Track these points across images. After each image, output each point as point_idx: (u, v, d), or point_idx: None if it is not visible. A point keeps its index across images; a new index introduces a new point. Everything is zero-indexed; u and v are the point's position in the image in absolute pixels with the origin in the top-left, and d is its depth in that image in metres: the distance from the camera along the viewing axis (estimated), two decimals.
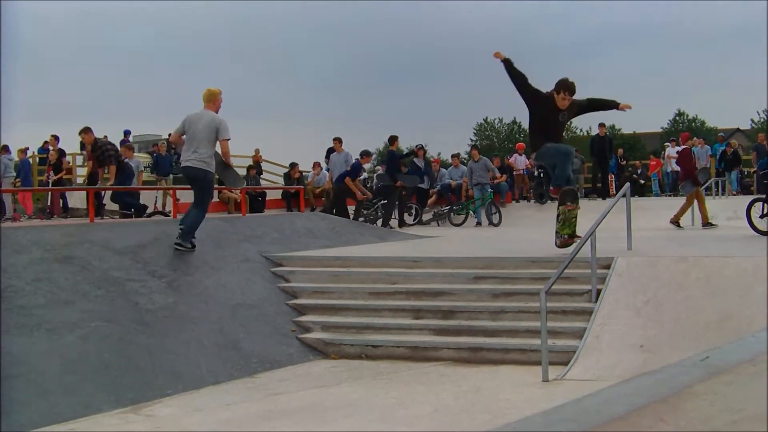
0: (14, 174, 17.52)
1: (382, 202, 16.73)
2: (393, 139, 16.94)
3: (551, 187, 9.05)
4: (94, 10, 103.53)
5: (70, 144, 24.32)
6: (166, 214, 14.10)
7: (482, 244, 11.56)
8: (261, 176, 22.02)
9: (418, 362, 7.29)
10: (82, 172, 21.20)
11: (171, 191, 15.67)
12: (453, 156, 20.48)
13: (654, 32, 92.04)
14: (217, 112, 9.12)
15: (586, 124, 58.91)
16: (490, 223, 16.44)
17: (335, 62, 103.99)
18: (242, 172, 21.33)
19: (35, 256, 7.97)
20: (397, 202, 16.66)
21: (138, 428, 5.58)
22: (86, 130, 14.30)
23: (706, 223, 13.00)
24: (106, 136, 24.54)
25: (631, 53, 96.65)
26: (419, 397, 6.05)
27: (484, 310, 7.82)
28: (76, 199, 18.14)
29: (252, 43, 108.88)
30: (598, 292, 7.39)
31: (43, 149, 21.06)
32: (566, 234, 8.46)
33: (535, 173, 19.25)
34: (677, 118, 57.85)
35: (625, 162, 23.63)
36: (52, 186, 17.45)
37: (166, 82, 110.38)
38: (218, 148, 9.14)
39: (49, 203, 17.88)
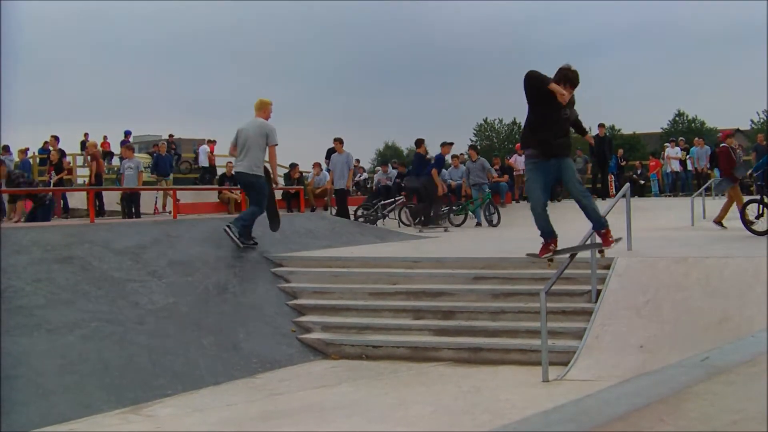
0: None
1: (409, 205, 16.86)
2: (420, 142, 16.97)
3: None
4: (94, 10, 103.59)
5: (70, 144, 24.28)
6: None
7: (482, 245, 11.55)
8: None
9: (418, 362, 7.28)
10: (82, 173, 21.25)
11: (171, 191, 15.70)
12: (453, 156, 20.48)
13: (654, 32, 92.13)
14: (267, 119, 9.63)
15: (586, 124, 58.73)
16: (489, 224, 16.43)
17: (335, 62, 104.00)
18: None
19: (35, 256, 7.98)
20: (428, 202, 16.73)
21: (138, 428, 5.58)
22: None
23: (719, 222, 12.79)
24: (106, 136, 24.72)
25: (631, 53, 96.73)
26: (419, 398, 6.04)
27: (484, 310, 7.82)
28: (77, 200, 18.14)
29: (252, 44, 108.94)
30: (598, 292, 7.39)
31: (44, 149, 21.06)
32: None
33: None
34: (677, 118, 57.84)
35: (625, 162, 23.63)
36: (53, 186, 17.45)
37: (167, 82, 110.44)
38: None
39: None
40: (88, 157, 18.07)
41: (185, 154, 28.39)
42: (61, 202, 17.83)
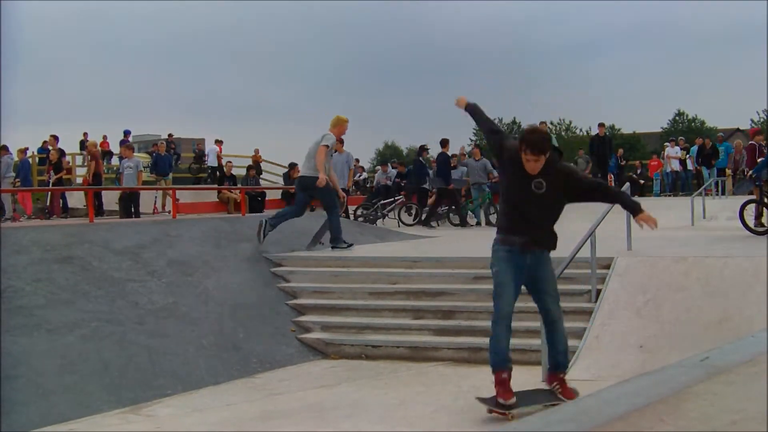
0: (13, 174, 17.51)
1: (426, 208, 16.99)
2: (444, 142, 17.07)
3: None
4: (94, 10, 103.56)
5: (70, 144, 24.30)
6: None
7: (482, 244, 11.53)
8: (261, 176, 22.04)
9: (418, 362, 7.28)
10: (81, 172, 21.24)
11: (170, 191, 15.70)
12: (452, 156, 20.50)
13: (654, 32, 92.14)
14: (338, 136, 10.21)
15: (585, 123, 58.80)
16: (488, 224, 16.44)
17: (335, 62, 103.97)
18: (242, 172, 21.44)
19: (35, 256, 7.97)
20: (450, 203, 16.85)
21: (138, 428, 5.58)
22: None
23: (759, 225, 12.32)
24: (105, 136, 24.72)
25: (631, 53, 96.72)
26: (419, 398, 6.04)
27: (484, 310, 7.80)
28: (76, 199, 18.14)
29: (252, 44, 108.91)
30: (598, 292, 7.39)
31: (43, 149, 21.06)
32: None
33: None
34: (677, 118, 57.83)
35: (625, 162, 23.63)
36: (52, 186, 17.45)
37: (167, 82, 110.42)
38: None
39: (48, 203, 17.88)
40: (88, 157, 18.07)
41: (185, 154, 28.43)
42: (60, 201, 17.84)
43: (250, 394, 6.48)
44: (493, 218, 16.58)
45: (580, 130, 56.21)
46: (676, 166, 21.47)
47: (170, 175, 19.76)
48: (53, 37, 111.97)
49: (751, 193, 12.68)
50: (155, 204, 17.81)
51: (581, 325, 7.10)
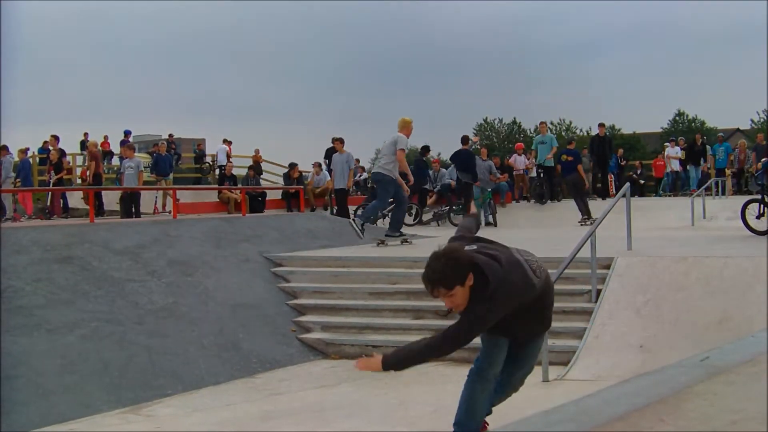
0: (14, 174, 17.51)
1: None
2: (465, 140, 17.08)
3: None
4: (94, 10, 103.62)
5: (70, 144, 24.31)
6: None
7: None
8: (261, 176, 22.03)
9: None
10: (82, 170, 21.23)
11: (171, 191, 15.70)
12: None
13: (654, 32, 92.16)
14: (408, 137, 11.14)
15: (586, 123, 58.87)
16: (487, 223, 16.44)
17: (335, 62, 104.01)
18: (242, 172, 21.44)
19: (35, 256, 7.97)
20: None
21: (138, 428, 5.58)
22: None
23: None
24: (106, 136, 24.72)
25: (631, 53, 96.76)
26: (419, 397, 6.04)
27: None
28: (76, 199, 18.14)
29: (252, 44, 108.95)
30: (598, 292, 7.39)
31: (43, 149, 21.05)
32: None
33: (534, 173, 19.29)
34: (677, 118, 57.85)
35: (625, 162, 23.62)
36: (53, 186, 17.45)
37: (167, 82, 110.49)
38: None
39: (49, 203, 17.88)
40: (88, 157, 18.07)
41: (185, 154, 28.43)
42: (61, 201, 17.83)
43: (250, 394, 6.48)
44: (490, 218, 16.61)
45: (580, 130, 56.24)
46: (676, 166, 21.46)
47: (171, 176, 19.75)
48: (53, 37, 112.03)
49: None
50: (155, 204, 17.81)
51: (581, 325, 7.11)
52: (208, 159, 25.07)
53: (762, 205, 10.86)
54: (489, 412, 4.53)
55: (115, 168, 22.32)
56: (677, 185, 21.31)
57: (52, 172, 17.86)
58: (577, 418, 0.82)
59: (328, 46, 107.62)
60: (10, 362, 6.13)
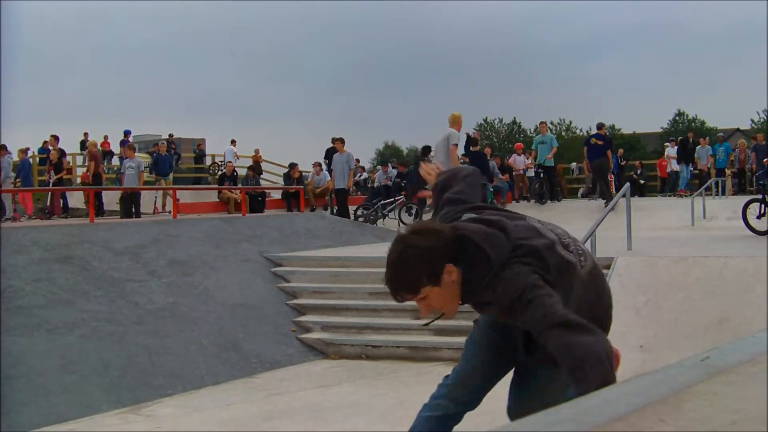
0: (13, 174, 17.52)
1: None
2: (475, 141, 17.21)
3: None
4: (94, 10, 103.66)
5: (70, 144, 24.30)
6: None
7: None
8: (261, 176, 22.04)
9: (418, 362, 7.28)
10: (81, 172, 21.25)
11: (171, 191, 15.70)
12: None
13: (654, 32, 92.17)
14: (459, 131, 11.71)
15: (585, 124, 58.81)
16: None
17: (335, 62, 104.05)
18: (242, 172, 21.45)
19: (35, 256, 7.98)
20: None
21: (138, 428, 5.58)
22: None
23: None
24: (106, 136, 24.73)
25: (631, 53, 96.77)
26: (419, 398, 6.02)
27: None
28: (76, 199, 18.14)
29: (252, 44, 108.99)
30: None
31: (43, 149, 21.06)
32: None
33: (534, 173, 19.30)
34: (677, 118, 57.85)
35: (625, 162, 23.61)
36: (53, 186, 17.45)
37: (167, 82, 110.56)
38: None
39: (48, 203, 17.88)
40: (88, 157, 18.08)
41: (185, 154, 28.43)
42: (61, 201, 17.84)
43: (250, 394, 6.48)
44: None
45: (580, 130, 56.22)
46: (675, 166, 21.48)
47: (170, 175, 19.76)
48: (53, 37, 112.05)
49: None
50: (155, 204, 17.82)
51: None
52: (218, 160, 25.03)
53: (762, 205, 10.87)
54: None
55: (115, 168, 22.32)
56: (677, 185, 21.33)
57: (52, 172, 17.86)
58: (577, 418, 0.82)
59: (328, 46, 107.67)
60: (10, 362, 6.13)
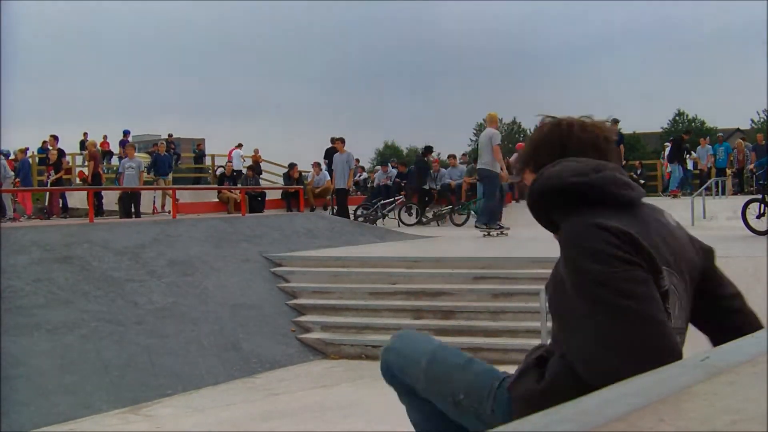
0: (12, 174, 17.52)
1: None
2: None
3: None
4: (94, 10, 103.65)
5: (70, 144, 24.30)
6: None
7: (482, 244, 11.56)
8: (260, 176, 22.04)
9: None
10: (79, 171, 21.25)
11: (170, 191, 15.70)
12: (450, 156, 20.72)
13: (654, 32, 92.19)
14: (497, 129, 11.99)
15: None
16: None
17: (335, 62, 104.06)
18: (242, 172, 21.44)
19: (35, 256, 7.98)
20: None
21: (138, 428, 5.58)
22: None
23: None
24: (106, 136, 24.73)
25: (632, 53, 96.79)
26: None
27: (484, 310, 7.82)
28: (76, 199, 18.15)
29: (252, 44, 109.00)
30: None
31: (43, 149, 21.06)
32: None
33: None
34: (677, 118, 57.87)
35: (625, 162, 23.59)
36: (52, 186, 17.45)
37: (166, 81, 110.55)
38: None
39: (48, 203, 17.89)
40: (87, 157, 18.09)
41: (185, 154, 28.44)
42: (60, 201, 17.84)
43: (250, 394, 6.48)
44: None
45: None
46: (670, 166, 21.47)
47: (170, 175, 19.77)
48: (53, 37, 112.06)
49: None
50: (155, 204, 17.82)
51: None
52: (225, 162, 24.99)
53: (762, 205, 10.88)
54: None
55: (115, 168, 22.32)
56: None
57: (51, 172, 17.86)
58: (577, 418, 0.81)
59: (328, 46, 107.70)
60: (10, 362, 6.13)
